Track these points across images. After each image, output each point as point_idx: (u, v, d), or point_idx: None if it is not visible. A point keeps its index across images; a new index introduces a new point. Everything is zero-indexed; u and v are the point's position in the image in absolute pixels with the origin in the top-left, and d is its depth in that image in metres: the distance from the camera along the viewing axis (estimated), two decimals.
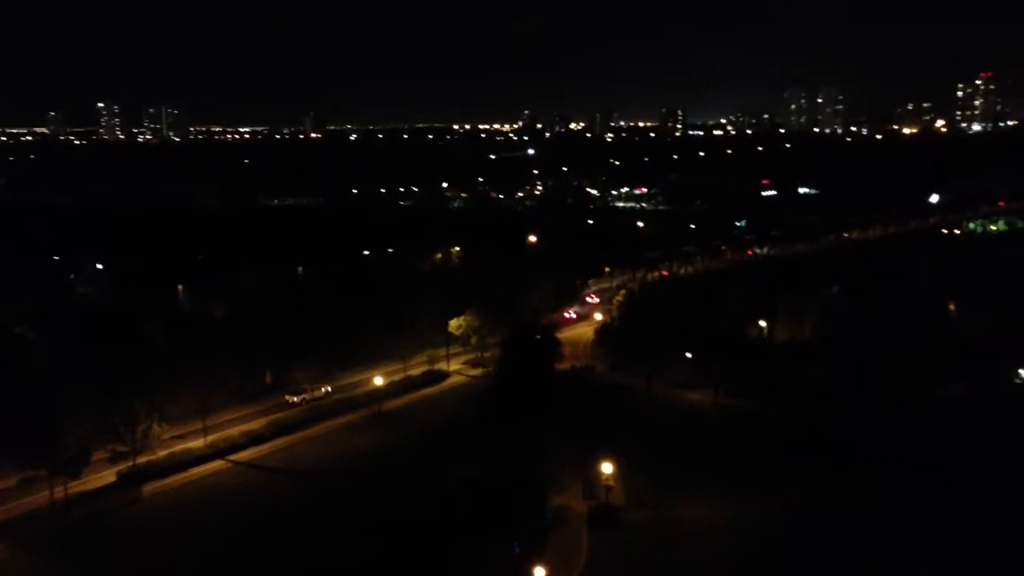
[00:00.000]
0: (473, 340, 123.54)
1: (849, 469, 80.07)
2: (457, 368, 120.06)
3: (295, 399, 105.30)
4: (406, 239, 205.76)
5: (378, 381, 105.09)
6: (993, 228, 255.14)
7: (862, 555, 66.19)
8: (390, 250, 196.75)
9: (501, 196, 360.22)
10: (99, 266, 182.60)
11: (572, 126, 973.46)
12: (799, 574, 64.90)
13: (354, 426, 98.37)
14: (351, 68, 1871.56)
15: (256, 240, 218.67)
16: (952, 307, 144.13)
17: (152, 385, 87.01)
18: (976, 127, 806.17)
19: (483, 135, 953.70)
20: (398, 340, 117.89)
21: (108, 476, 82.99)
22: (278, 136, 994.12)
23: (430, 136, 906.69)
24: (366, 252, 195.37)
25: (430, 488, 73.17)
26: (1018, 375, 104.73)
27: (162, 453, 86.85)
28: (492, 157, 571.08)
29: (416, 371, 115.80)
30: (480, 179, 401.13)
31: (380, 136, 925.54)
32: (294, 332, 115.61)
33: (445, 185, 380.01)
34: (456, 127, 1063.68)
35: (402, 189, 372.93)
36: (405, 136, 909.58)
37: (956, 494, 74.44)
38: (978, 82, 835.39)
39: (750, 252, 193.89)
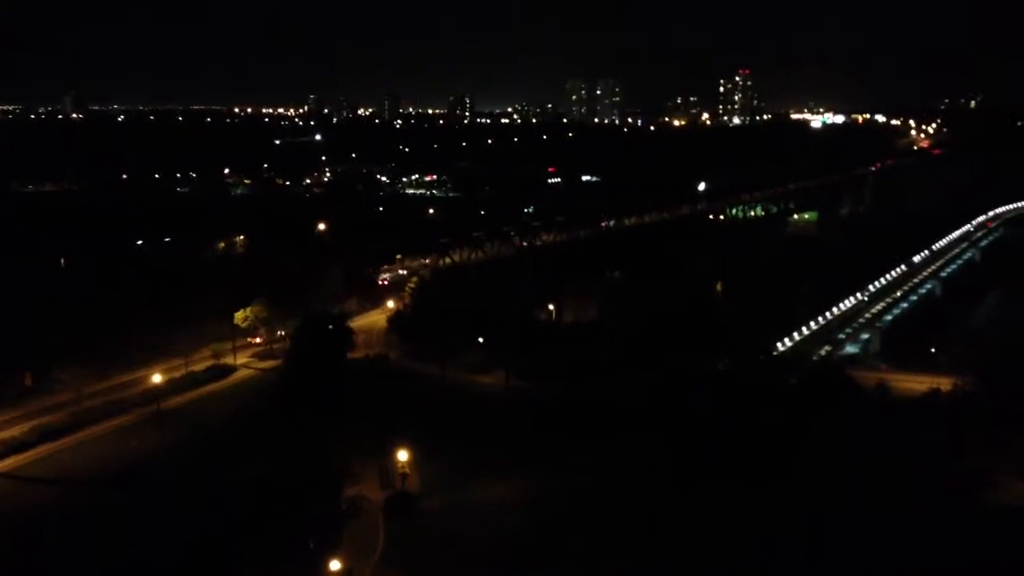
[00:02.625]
0: (261, 332, 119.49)
1: (633, 438, 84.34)
2: (245, 361, 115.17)
3: (256, 340, 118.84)
4: (185, 228, 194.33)
5: (157, 379, 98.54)
6: (752, 214, 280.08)
7: (651, 518, 70.37)
8: (167, 239, 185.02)
9: (287, 183, 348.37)
10: None
11: (360, 112, 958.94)
12: (587, 542, 67.57)
13: (130, 428, 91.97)
14: (115, 43, 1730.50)
15: (9, 230, 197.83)
16: (718, 287, 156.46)
17: None
18: (736, 120, 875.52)
19: (267, 119, 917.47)
20: (179, 334, 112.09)
21: None
22: (33, 116, 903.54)
23: (208, 119, 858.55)
24: (140, 242, 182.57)
25: (214, 490, 69.63)
26: (775, 347, 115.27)
27: None
28: (277, 142, 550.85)
29: (200, 367, 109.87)
30: (265, 165, 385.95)
31: (152, 118, 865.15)
32: (56, 329, 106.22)
33: (227, 171, 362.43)
34: (237, 110, 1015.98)
35: (179, 175, 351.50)
36: (180, 118, 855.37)
37: (733, 457, 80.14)
38: (737, 78, 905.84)
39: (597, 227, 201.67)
